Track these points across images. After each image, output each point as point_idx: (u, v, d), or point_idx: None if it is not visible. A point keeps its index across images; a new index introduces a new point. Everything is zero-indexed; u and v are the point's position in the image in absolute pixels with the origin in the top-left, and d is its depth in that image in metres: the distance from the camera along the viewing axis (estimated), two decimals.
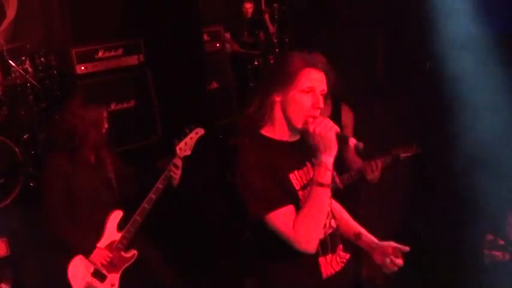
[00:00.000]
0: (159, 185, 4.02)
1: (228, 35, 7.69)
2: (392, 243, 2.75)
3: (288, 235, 2.47)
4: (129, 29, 6.65)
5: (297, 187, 2.58)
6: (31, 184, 5.63)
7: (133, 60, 6.55)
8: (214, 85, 7.23)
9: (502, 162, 4.55)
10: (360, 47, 5.03)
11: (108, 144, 4.20)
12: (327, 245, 2.71)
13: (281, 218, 2.47)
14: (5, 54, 5.96)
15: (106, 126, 4.09)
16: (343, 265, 2.80)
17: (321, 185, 2.44)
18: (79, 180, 3.97)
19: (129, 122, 6.37)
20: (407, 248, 2.71)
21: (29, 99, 6.09)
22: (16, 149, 5.48)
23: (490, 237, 3.96)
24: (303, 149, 2.65)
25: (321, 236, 2.64)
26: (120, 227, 4.05)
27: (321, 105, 2.52)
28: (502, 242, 4.00)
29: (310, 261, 2.69)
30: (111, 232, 4.01)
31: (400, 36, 4.98)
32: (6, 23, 6.59)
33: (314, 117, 2.51)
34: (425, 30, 4.86)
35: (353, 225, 2.92)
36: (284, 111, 2.56)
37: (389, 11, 4.99)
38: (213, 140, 4.20)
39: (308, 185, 2.57)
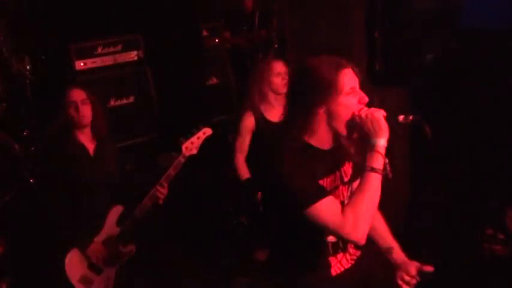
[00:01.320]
0: (162, 182, 4.02)
1: (228, 34, 7.67)
2: (417, 263, 2.73)
3: (336, 224, 2.41)
4: (128, 25, 6.64)
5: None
6: (31, 180, 5.62)
7: (132, 56, 6.54)
8: (214, 80, 7.22)
9: (502, 153, 4.55)
10: (359, 39, 5.01)
11: (109, 138, 4.21)
12: (338, 245, 2.71)
13: (327, 207, 2.43)
14: (4, 50, 5.95)
15: (84, 108, 4.03)
16: (353, 262, 2.80)
17: (374, 169, 2.39)
18: (77, 174, 3.98)
19: (129, 118, 6.37)
20: (431, 268, 2.70)
21: (29, 95, 6.08)
22: (16, 145, 5.47)
23: (489, 231, 3.94)
24: (335, 157, 2.62)
25: (333, 239, 2.67)
26: (120, 222, 4.05)
27: (366, 99, 2.49)
28: (502, 236, 3.99)
29: (321, 261, 2.70)
30: (111, 226, 4.02)
31: (399, 28, 4.96)
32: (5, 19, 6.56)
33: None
34: (425, 22, 4.85)
35: (387, 238, 2.88)
36: (330, 120, 2.51)
37: (389, 2, 4.97)
38: (212, 135, 4.17)
39: (332, 191, 2.56)
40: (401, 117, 2.46)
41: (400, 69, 4.99)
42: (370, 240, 2.87)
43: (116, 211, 4.05)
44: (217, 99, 7.07)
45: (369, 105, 2.50)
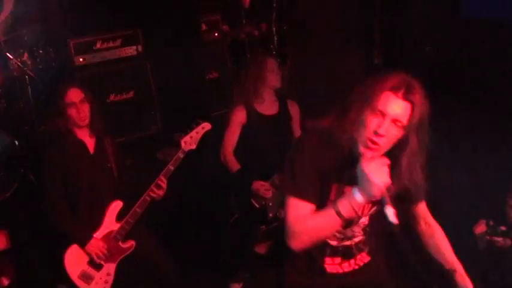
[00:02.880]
0: (161, 177, 4.03)
1: (226, 28, 7.64)
2: None
3: (288, 224, 2.51)
4: (127, 20, 6.62)
5: (332, 197, 2.58)
6: (31, 177, 5.63)
7: (132, 50, 6.52)
8: (214, 74, 7.20)
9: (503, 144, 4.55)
10: (358, 33, 5.01)
11: (108, 134, 4.21)
12: (337, 250, 2.72)
13: (296, 208, 2.51)
14: (3, 46, 5.94)
15: (82, 108, 4.03)
16: (356, 268, 2.81)
17: (339, 214, 2.39)
18: (77, 171, 4.00)
19: (129, 113, 6.36)
20: None
21: (28, 91, 6.08)
22: (15, 141, 5.47)
23: (490, 222, 3.93)
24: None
25: (334, 243, 2.71)
26: (120, 217, 4.05)
27: (382, 131, 2.38)
28: (503, 228, 3.98)
29: (316, 258, 2.71)
30: (110, 222, 4.02)
31: (398, 22, 4.95)
32: (3, 15, 6.54)
33: (373, 143, 2.40)
34: (425, 16, 4.84)
35: (449, 260, 2.85)
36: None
37: None
38: (211, 129, 4.19)
39: None
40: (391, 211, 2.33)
41: (400, 61, 4.99)
42: (383, 251, 2.89)
43: (115, 207, 4.05)
44: (217, 93, 7.05)
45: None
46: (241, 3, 7.68)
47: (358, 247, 2.81)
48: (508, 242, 3.88)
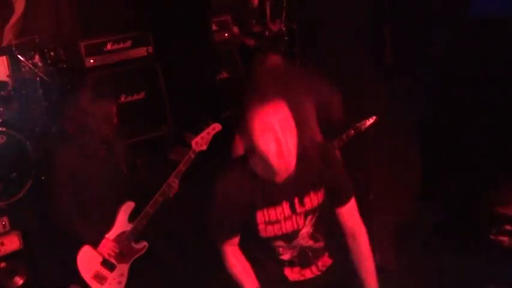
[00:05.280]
0: (173, 177, 4.05)
1: (236, 29, 7.65)
2: None
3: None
4: (137, 21, 6.64)
5: (260, 223, 2.66)
6: (42, 178, 5.66)
7: (142, 52, 6.55)
8: (224, 75, 7.21)
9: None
10: (368, 33, 5.01)
11: (118, 136, 4.22)
12: (294, 262, 2.74)
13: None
14: (14, 49, 5.98)
15: (115, 121, 4.11)
16: (319, 273, 2.80)
17: None
18: (88, 174, 4.01)
19: (139, 114, 6.38)
20: None
21: (39, 93, 6.10)
22: (27, 143, 5.49)
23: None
24: (285, 187, 2.66)
25: (287, 257, 2.75)
26: (132, 218, 4.06)
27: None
28: (509, 228, 3.98)
29: (276, 268, 2.73)
30: (122, 223, 4.03)
31: (409, 21, 4.94)
32: (14, 18, 6.58)
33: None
34: (435, 14, 4.83)
35: (368, 272, 2.87)
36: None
37: None
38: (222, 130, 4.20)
39: (274, 222, 2.64)
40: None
41: (410, 61, 4.98)
42: (344, 249, 2.89)
43: (127, 207, 4.07)
44: (228, 93, 7.06)
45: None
46: (250, 3, 7.69)
47: (315, 252, 2.81)
48: None
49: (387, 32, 5.04)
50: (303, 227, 2.72)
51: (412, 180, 4.90)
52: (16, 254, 4.55)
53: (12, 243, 4.53)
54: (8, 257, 4.48)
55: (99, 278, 3.99)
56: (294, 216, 2.70)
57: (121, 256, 4.02)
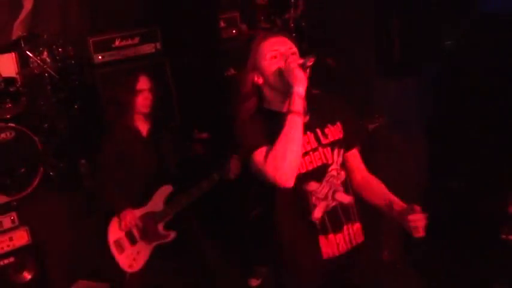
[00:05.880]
0: (215, 175, 4.10)
1: (244, 26, 7.65)
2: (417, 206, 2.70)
3: (266, 170, 2.51)
4: (145, 17, 6.65)
5: None
6: (51, 173, 5.67)
7: (150, 48, 6.54)
8: (232, 72, 7.21)
9: None
10: (377, 29, 5.00)
11: (164, 120, 4.28)
12: (326, 223, 2.71)
13: (261, 154, 2.56)
14: (23, 43, 6.00)
15: (149, 96, 4.14)
16: (350, 247, 2.79)
17: (291, 111, 2.52)
18: (130, 153, 4.16)
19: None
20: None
21: (48, 89, 6.13)
22: (35, 138, 5.51)
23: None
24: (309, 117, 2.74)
25: (321, 211, 2.71)
26: (167, 200, 4.12)
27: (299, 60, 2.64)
28: None
29: (310, 241, 2.71)
30: (155, 204, 4.13)
31: (417, 16, 4.93)
32: (23, 14, 6.61)
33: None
34: (444, 10, 4.82)
35: (386, 195, 2.88)
36: (267, 84, 2.74)
37: None
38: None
39: (305, 154, 2.67)
40: (308, 63, 2.61)
41: (418, 58, 4.97)
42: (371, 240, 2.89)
43: (164, 190, 4.14)
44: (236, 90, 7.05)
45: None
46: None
47: (346, 213, 2.80)
48: None
49: (395, 28, 5.02)
50: (331, 162, 2.75)
51: (421, 178, 4.90)
52: (25, 249, 4.56)
53: (21, 238, 4.55)
54: (17, 252, 4.50)
55: (119, 246, 4.10)
56: (320, 148, 2.73)
57: (144, 234, 4.09)
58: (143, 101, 4.13)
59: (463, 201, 4.74)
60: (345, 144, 2.85)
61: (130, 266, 4.11)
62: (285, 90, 2.60)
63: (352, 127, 2.90)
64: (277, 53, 2.69)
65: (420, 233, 2.65)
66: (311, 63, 2.60)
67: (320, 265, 2.74)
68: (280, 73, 2.63)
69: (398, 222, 2.75)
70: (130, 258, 4.10)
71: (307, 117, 2.71)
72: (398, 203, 2.80)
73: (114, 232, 4.09)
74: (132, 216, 4.07)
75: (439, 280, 4.16)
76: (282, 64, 2.65)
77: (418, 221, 2.63)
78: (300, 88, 2.53)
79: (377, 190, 2.91)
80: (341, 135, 2.82)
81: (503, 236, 4.16)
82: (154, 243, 4.14)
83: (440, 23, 4.87)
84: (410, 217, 2.63)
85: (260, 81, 2.73)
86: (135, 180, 4.17)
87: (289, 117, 2.51)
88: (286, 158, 2.47)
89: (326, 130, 2.77)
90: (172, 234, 4.14)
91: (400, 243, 4.34)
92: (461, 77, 4.75)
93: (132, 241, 4.10)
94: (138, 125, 4.21)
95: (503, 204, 4.33)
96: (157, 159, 4.21)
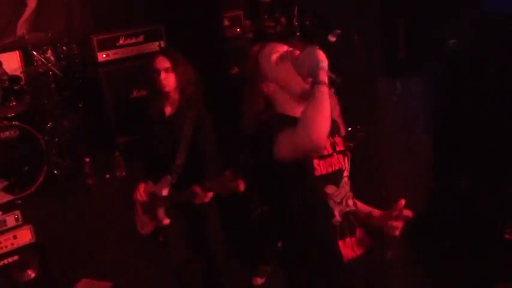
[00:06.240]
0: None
1: (248, 23, 7.65)
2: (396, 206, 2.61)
3: (293, 140, 2.45)
4: (149, 16, 6.65)
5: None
6: (55, 172, 5.68)
7: (154, 46, 6.55)
8: (236, 70, 7.21)
9: None
10: (382, 28, 4.98)
11: (196, 105, 4.27)
12: (344, 227, 2.70)
13: (284, 135, 2.50)
14: (28, 43, 6.01)
15: (167, 76, 4.17)
16: (365, 249, 2.78)
17: (319, 82, 2.46)
18: (153, 134, 4.18)
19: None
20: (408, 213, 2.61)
21: (52, 87, 6.14)
22: (40, 137, 5.52)
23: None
24: None
25: (339, 218, 2.66)
26: (169, 190, 4.12)
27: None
28: None
29: (330, 245, 2.69)
30: (160, 188, 4.08)
31: (422, 15, 4.91)
32: (28, 12, 6.63)
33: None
34: (449, 8, 4.80)
35: (363, 207, 2.86)
36: (283, 89, 2.67)
37: None
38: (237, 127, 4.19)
39: (324, 157, 2.64)
40: (331, 38, 2.55)
41: (423, 56, 4.95)
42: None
43: (167, 178, 4.11)
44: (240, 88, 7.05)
45: None
46: None
47: (356, 217, 2.80)
48: None
49: (400, 26, 5.01)
50: (344, 168, 2.73)
51: (425, 177, 4.89)
52: (28, 247, 4.56)
53: (25, 236, 4.54)
54: (21, 251, 4.50)
55: (136, 208, 4.20)
56: (335, 155, 2.71)
57: (147, 210, 4.12)
58: (162, 80, 4.15)
59: (467, 201, 4.73)
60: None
61: (141, 229, 4.22)
62: (309, 73, 2.51)
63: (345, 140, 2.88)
64: (278, 53, 2.66)
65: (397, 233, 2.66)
66: (334, 39, 2.59)
67: (342, 269, 2.74)
68: (302, 59, 2.54)
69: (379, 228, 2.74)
70: (140, 223, 4.20)
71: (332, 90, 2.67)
72: (376, 211, 2.82)
73: (139, 196, 4.19)
74: (143, 189, 4.12)
75: (442, 280, 4.16)
76: (286, 62, 2.61)
77: (396, 226, 2.62)
78: (323, 63, 2.47)
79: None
80: (343, 147, 2.82)
81: (507, 236, 4.16)
82: (153, 223, 4.15)
83: (445, 22, 4.85)
84: (391, 223, 2.61)
85: (272, 88, 2.69)
86: (156, 158, 4.20)
87: (317, 87, 2.46)
88: (320, 122, 2.43)
89: (335, 139, 2.75)
90: (166, 222, 4.13)
91: (404, 243, 4.33)
92: (466, 75, 4.74)
93: (143, 210, 4.17)
94: (162, 105, 4.24)
95: (507, 204, 4.32)
96: (173, 143, 4.22)
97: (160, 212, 4.09)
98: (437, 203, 4.84)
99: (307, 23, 6.80)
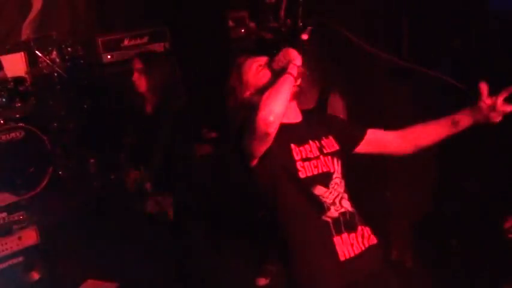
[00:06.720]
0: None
1: (253, 25, 7.64)
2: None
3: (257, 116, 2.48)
4: (154, 17, 6.66)
5: (297, 158, 2.66)
6: (60, 173, 5.69)
7: (159, 47, 6.55)
8: None
9: None
10: (385, 28, 4.97)
11: (174, 102, 4.44)
12: (340, 223, 2.70)
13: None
14: (32, 44, 6.02)
15: (140, 77, 4.32)
16: (366, 248, 2.77)
17: (287, 72, 2.57)
18: (136, 130, 4.50)
19: None
20: None
21: (57, 89, 6.15)
22: (45, 138, 5.53)
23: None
24: (307, 129, 2.78)
25: (335, 214, 2.68)
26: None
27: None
28: None
29: (325, 241, 2.68)
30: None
31: (426, 15, 4.90)
32: (33, 14, 6.64)
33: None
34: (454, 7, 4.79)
35: (442, 120, 2.93)
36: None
37: None
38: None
39: (309, 159, 2.68)
40: (304, 36, 2.75)
41: (429, 55, 4.94)
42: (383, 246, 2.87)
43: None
44: None
45: None
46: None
47: (353, 217, 2.79)
48: None
49: (405, 25, 5.00)
50: (334, 170, 2.75)
51: (430, 178, 4.87)
52: (33, 248, 4.57)
53: (30, 237, 4.56)
54: (26, 252, 4.51)
55: None
56: (322, 157, 2.73)
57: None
58: (134, 81, 4.33)
59: (473, 201, 4.71)
60: (346, 150, 2.86)
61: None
62: (284, 67, 2.64)
63: (347, 130, 2.93)
64: (258, 63, 2.82)
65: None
66: (307, 37, 2.71)
67: (338, 266, 2.72)
68: (280, 57, 2.71)
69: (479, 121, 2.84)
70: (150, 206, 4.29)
71: (299, 83, 2.74)
72: (460, 114, 2.88)
73: None
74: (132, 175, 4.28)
75: (447, 280, 4.15)
76: (266, 69, 2.77)
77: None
78: (296, 60, 2.61)
79: (426, 127, 2.96)
80: (337, 147, 2.82)
81: (510, 235, 4.14)
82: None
83: (450, 21, 4.84)
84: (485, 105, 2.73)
85: (255, 98, 2.71)
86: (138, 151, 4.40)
87: (282, 76, 2.57)
88: (276, 101, 2.49)
89: (323, 142, 2.78)
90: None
91: (409, 243, 4.33)
92: (471, 75, 4.71)
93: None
94: (141, 103, 4.46)
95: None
96: (150, 141, 4.33)
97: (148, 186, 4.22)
98: (445, 204, 4.83)
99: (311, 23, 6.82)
